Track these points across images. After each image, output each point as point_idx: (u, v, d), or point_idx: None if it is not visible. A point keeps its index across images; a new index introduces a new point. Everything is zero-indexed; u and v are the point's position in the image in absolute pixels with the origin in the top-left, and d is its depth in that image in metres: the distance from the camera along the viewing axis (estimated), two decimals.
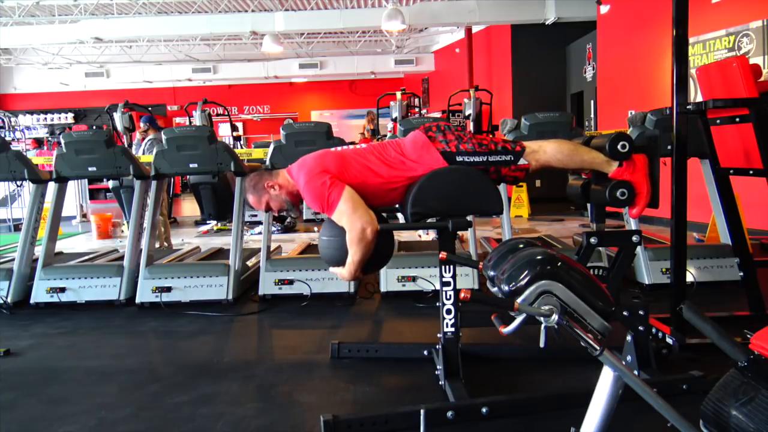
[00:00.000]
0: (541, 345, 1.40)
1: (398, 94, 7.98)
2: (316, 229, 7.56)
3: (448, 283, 2.28)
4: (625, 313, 2.28)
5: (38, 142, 13.73)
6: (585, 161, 2.33)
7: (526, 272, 1.46)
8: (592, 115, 8.64)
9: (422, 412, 1.92)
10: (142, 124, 6.93)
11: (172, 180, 8.92)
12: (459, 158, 2.26)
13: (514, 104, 10.08)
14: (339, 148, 2.44)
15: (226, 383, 2.54)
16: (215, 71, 14.88)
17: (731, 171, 2.85)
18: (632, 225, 3.73)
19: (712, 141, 2.88)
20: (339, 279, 2.48)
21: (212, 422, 2.17)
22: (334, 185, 2.22)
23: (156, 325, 3.51)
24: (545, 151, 2.32)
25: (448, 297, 2.29)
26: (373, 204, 2.32)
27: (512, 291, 1.45)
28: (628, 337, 2.33)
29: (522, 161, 2.30)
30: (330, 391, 2.44)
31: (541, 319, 1.39)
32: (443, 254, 2.06)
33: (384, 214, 2.48)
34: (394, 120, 8.02)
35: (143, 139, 6.98)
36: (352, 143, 7.78)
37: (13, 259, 4.12)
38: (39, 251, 4.08)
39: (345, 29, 11.30)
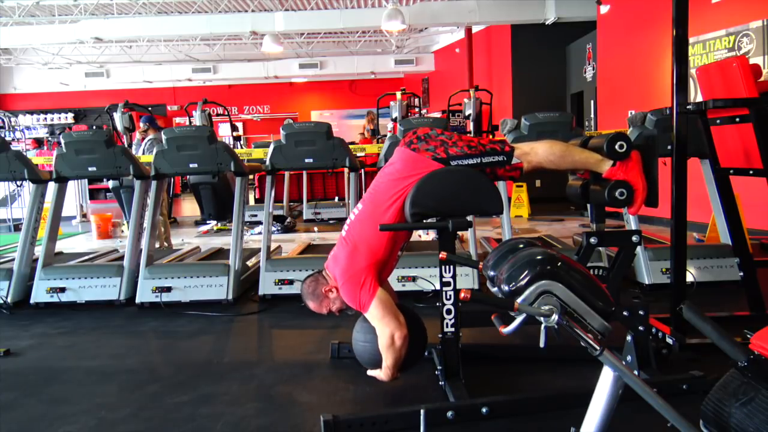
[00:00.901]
0: (541, 345, 1.40)
1: (398, 94, 7.98)
2: (316, 229, 7.57)
3: (448, 283, 2.28)
4: (625, 313, 2.28)
5: (38, 142, 13.74)
6: (577, 162, 2.33)
7: (526, 272, 1.46)
8: (592, 115, 8.64)
9: (422, 412, 1.92)
10: (141, 124, 6.93)
11: (172, 180, 8.93)
12: (453, 162, 2.25)
13: (514, 104, 10.08)
14: (351, 231, 2.36)
15: (226, 383, 2.54)
16: (215, 71, 14.88)
17: (731, 171, 2.85)
18: (632, 225, 3.73)
19: (712, 141, 2.88)
20: None
21: (212, 422, 2.17)
22: (363, 289, 2.24)
23: (156, 325, 3.51)
24: (536, 152, 2.31)
25: (448, 297, 2.29)
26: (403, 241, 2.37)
27: (512, 291, 1.45)
28: (628, 337, 2.33)
29: (515, 160, 2.30)
30: (330, 391, 2.44)
31: (541, 319, 1.39)
32: (443, 254, 2.05)
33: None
34: (394, 120, 8.03)
35: (143, 139, 6.98)
36: (353, 143, 7.78)
37: (13, 259, 4.12)
38: (39, 251, 4.08)
39: (345, 29, 11.30)
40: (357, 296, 2.26)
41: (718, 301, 3.47)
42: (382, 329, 2.24)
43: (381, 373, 2.31)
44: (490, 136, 8.11)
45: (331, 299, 2.40)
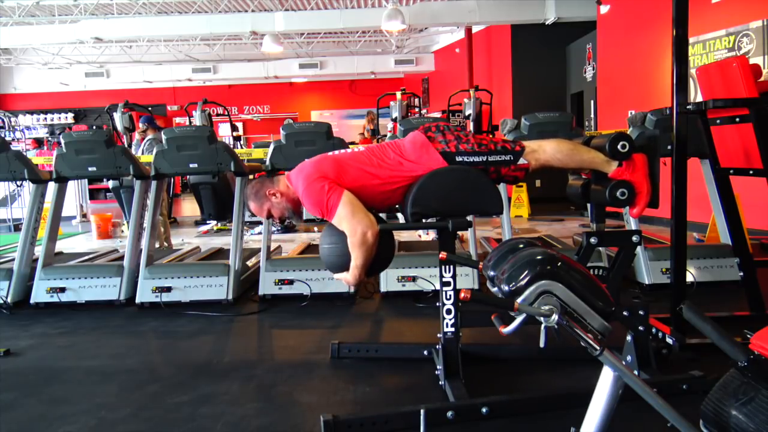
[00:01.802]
0: (541, 345, 1.40)
1: (398, 94, 7.98)
2: (316, 229, 7.56)
3: (448, 283, 2.28)
4: (625, 313, 2.28)
5: (38, 142, 13.73)
6: (584, 161, 2.33)
7: (526, 272, 1.46)
8: (592, 115, 8.64)
9: (422, 412, 1.92)
10: (141, 125, 6.93)
11: (172, 180, 8.92)
12: (458, 158, 2.26)
13: (514, 104, 10.08)
14: (337, 153, 2.43)
15: (226, 383, 2.54)
16: (215, 71, 14.87)
17: (731, 171, 2.85)
18: (632, 225, 3.73)
19: (712, 141, 2.88)
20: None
21: (212, 422, 2.17)
22: (332, 190, 2.22)
23: (156, 325, 3.51)
24: (545, 150, 2.31)
25: (448, 297, 2.29)
26: (372, 207, 2.32)
27: (512, 291, 1.45)
28: (628, 337, 2.33)
29: (521, 161, 2.30)
30: (330, 391, 2.44)
31: (541, 319, 1.39)
32: (443, 254, 2.06)
33: (382, 215, 2.48)
34: (394, 120, 8.02)
35: (142, 139, 6.98)
36: (353, 143, 7.79)
37: (13, 259, 4.12)
38: (39, 251, 4.08)
39: (345, 29, 11.30)
40: (323, 199, 2.22)
41: (718, 301, 3.47)
42: (353, 228, 2.19)
43: (348, 275, 2.26)
44: (490, 136, 8.10)
45: (273, 203, 2.42)
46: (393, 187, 2.32)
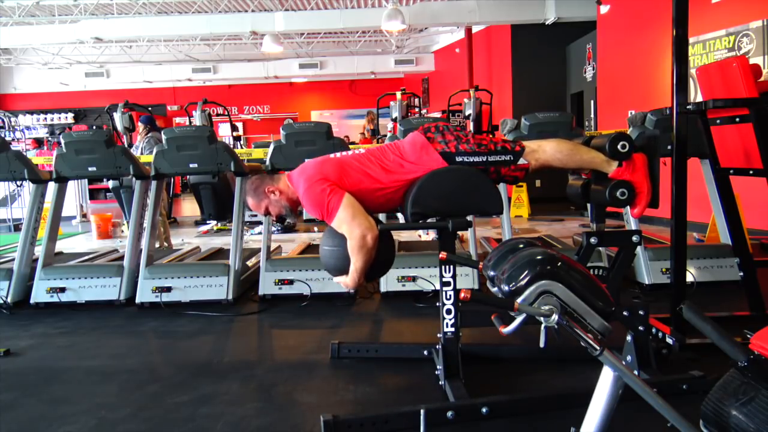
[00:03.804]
0: (541, 345, 1.40)
1: (398, 94, 7.98)
2: (316, 228, 7.56)
3: (448, 283, 2.28)
4: (625, 313, 2.28)
5: (38, 142, 13.72)
6: (584, 161, 2.33)
7: (526, 272, 1.46)
8: (592, 115, 8.64)
9: (422, 412, 1.92)
10: (140, 125, 6.92)
11: (172, 180, 8.93)
12: (458, 158, 2.26)
13: (514, 104, 10.08)
14: (338, 155, 2.43)
15: (226, 383, 2.54)
16: (215, 71, 14.88)
17: (731, 171, 2.85)
18: (632, 225, 3.73)
19: (712, 141, 2.88)
20: None
21: (212, 422, 2.17)
22: (333, 192, 2.22)
23: (156, 325, 3.51)
24: (545, 150, 2.31)
25: (448, 297, 2.29)
26: (373, 209, 2.32)
27: (512, 291, 1.45)
28: (628, 337, 2.33)
29: (521, 161, 2.30)
30: (330, 391, 2.44)
31: (541, 319, 1.39)
32: (443, 254, 2.06)
33: (379, 216, 2.48)
34: (394, 120, 8.02)
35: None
36: (353, 143, 7.79)
37: (13, 259, 4.12)
38: (39, 251, 4.08)
39: (345, 29, 11.30)
40: (324, 200, 2.22)
41: (718, 301, 3.47)
42: (352, 230, 2.19)
43: (347, 279, 2.26)
44: (490, 136, 8.10)
45: (272, 200, 2.42)
46: (394, 189, 2.32)
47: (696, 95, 5.46)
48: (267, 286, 3.89)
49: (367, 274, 2.28)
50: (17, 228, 8.15)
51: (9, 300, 3.91)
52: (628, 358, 2.34)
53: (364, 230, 2.18)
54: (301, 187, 2.32)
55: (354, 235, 2.19)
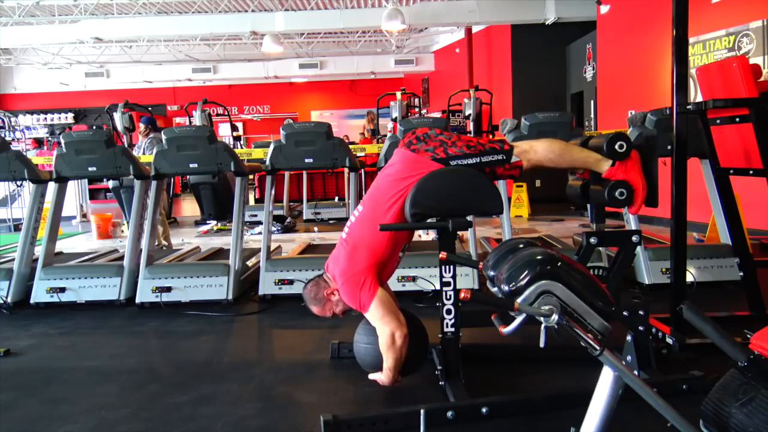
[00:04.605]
0: (541, 345, 1.40)
1: (398, 94, 7.99)
2: (316, 228, 7.57)
3: (448, 283, 2.28)
4: (625, 313, 2.28)
5: (38, 142, 13.72)
6: (576, 160, 2.33)
7: (526, 272, 1.46)
8: (592, 115, 8.64)
9: (422, 412, 1.92)
10: (141, 126, 6.91)
11: (172, 180, 8.92)
12: (453, 162, 2.25)
13: (514, 104, 10.08)
14: (351, 230, 2.36)
15: (226, 383, 2.54)
16: (215, 71, 14.88)
17: (731, 171, 2.85)
18: (632, 225, 3.73)
19: (712, 141, 2.88)
20: None
21: (212, 422, 2.17)
22: (363, 288, 2.24)
23: (156, 325, 3.51)
24: (536, 150, 2.31)
25: (448, 297, 2.29)
26: (407, 240, 2.38)
27: (512, 291, 1.45)
28: (628, 337, 2.33)
29: (514, 159, 2.29)
30: (330, 391, 2.44)
31: (541, 319, 1.39)
32: (443, 254, 2.05)
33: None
34: (394, 120, 8.03)
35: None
36: (353, 143, 7.78)
37: (13, 259, 4.12)
38: (39, 251, 4.08)
39: (345, 29, 11.30)
40: (357, 296, 2.25)
41: (718, 301, 3.47)
42: (382, 328, 2.23)
43: (382, 376, 2.29)
44: (490, 136, 8.12)
45: (334, 302, 2.41)
46: (402, 201, 2.29)
47: (696, 95, 5.46)
48: (267, 286, 3.88)
49: (402, 371, 2.31)
50: (17, 228, 8.15)
51: (9, 300, 3.91)
52: (628, 358, 2.34)
53: (393, 329, 2.21)
54: (339, 282, 2.33)
55: (383, 333, 2.22)
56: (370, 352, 2.35)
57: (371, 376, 2.36)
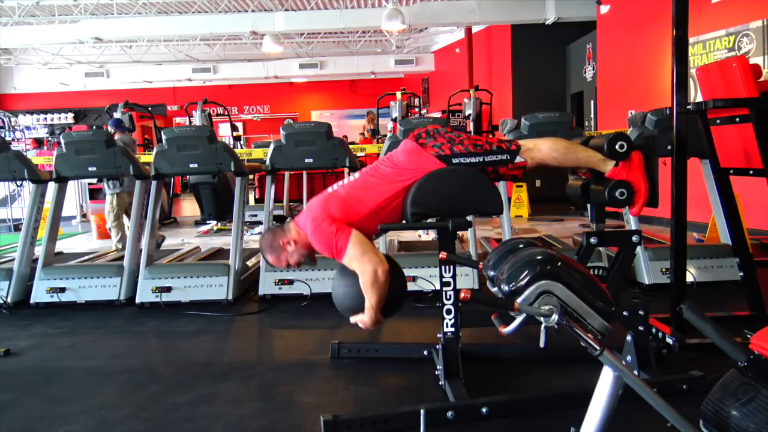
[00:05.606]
0: (541, 345, 1.40)
1: (398, 94, 8.00)
2: None
3: (448, 283, 2.28)
4: (625, 313, 2.28)
5: (38, 142, 13.71)
6: (580, 159, 2.32)
7: (526, 272, 1.46)
8: (592, 115, 8.64)
9: (422, 412, 1.92)
10: (109, 128, 6.68)
11: (172, 180, 8.92)
12: (455, 160, 2.25)
13: (514, 104, 10.08)
14: (339, 186, 2.39)
15: (226, 383, 2.54)
16: (215, 71, 14.88)
17: (731, 171, 2.85)
18: (632, 225, 3.73)
19: (712, 141, 2.88)
20: None
21: (212, 422, 2.17)
22: (340, 231, 2.22)
23: (156, 325, 3.51)
24: (540, 149, 2.31)
25: (448, 297, 2.29)
26: (385, 225, 2.34)
27: (512, 291, 1.45)
28: (628, 337, 2.33)
29: (518, 159, 2.29)
30: (330, 391, 2.44)
31: (541, 319, 1.39)
32: (443, 254, 2.06)
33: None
34: (394, 120, 8.04)
35: None
36: (352, 143, 7.77)
37: (13, 259, 4.12)
38: (39, 251, 4.08)
39: (345, 29, 11.30)
40: (332, 240, 2.21)
41: (718, 301, 3.47)
42: (363, 267, 2.19)
43: (364, 317, 2.25)
44: (490, 136, 8.12)
45: (289, 252, 2.40)
46: (398, 201, 2.31)
47: (696, 95, 5.46)
48: (267, 286, 3.88)
49: (383, 310, 2.27)
50: (17, 228, 8.15)
51: (9, 300, 3.91)
52: (628, 358, 2.34)
53: (374, 265, 2.18)
54: (309, 229, 2.31)
55: (366, 271, 2.19)
56: (350, 294, 2.27)
57: (352, 319, 2.31)
